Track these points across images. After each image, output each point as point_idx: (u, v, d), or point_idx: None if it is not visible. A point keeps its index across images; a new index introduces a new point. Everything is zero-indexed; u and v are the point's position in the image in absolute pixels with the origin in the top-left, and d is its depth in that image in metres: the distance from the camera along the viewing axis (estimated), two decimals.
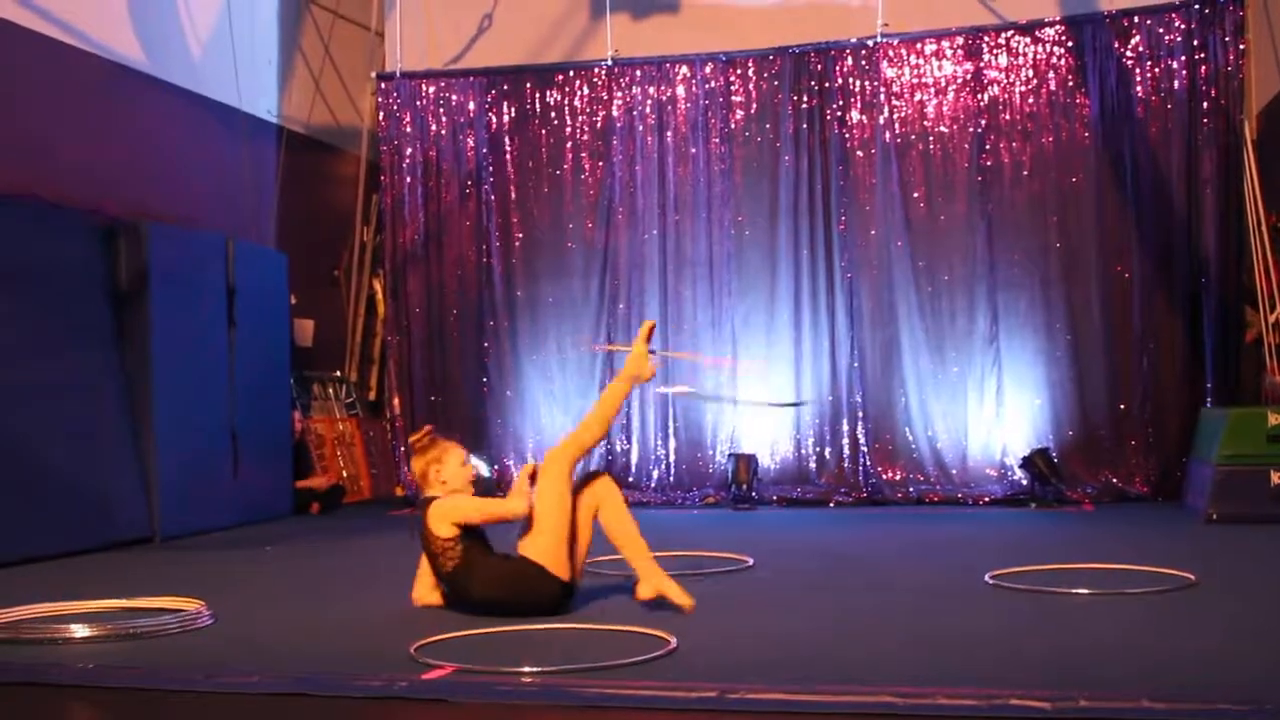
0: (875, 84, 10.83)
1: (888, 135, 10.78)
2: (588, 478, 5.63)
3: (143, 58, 9.63)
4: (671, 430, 11.13)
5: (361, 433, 11.96)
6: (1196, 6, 10.26)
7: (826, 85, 10.92)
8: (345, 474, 11.57)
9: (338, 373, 12.04)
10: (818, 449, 10.83)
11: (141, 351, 8.73)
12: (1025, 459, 10.20)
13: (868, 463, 10.65)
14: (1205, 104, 10.19)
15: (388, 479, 11.86)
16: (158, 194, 9.63)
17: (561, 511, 5.43)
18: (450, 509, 5.42)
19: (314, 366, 11.65)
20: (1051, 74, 10.58)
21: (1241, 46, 10.16)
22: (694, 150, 11.20)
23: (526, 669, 4.22)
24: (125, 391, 8.66)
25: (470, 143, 11.61)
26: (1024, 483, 10.24)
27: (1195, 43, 10.24)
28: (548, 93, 11.50)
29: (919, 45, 10.82)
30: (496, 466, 11.29)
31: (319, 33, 12.00)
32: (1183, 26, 10.29)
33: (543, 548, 5.38)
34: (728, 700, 3.79)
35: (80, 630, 5.07)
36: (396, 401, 11.66)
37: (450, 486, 5.60)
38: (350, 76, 12.34)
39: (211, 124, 10.46)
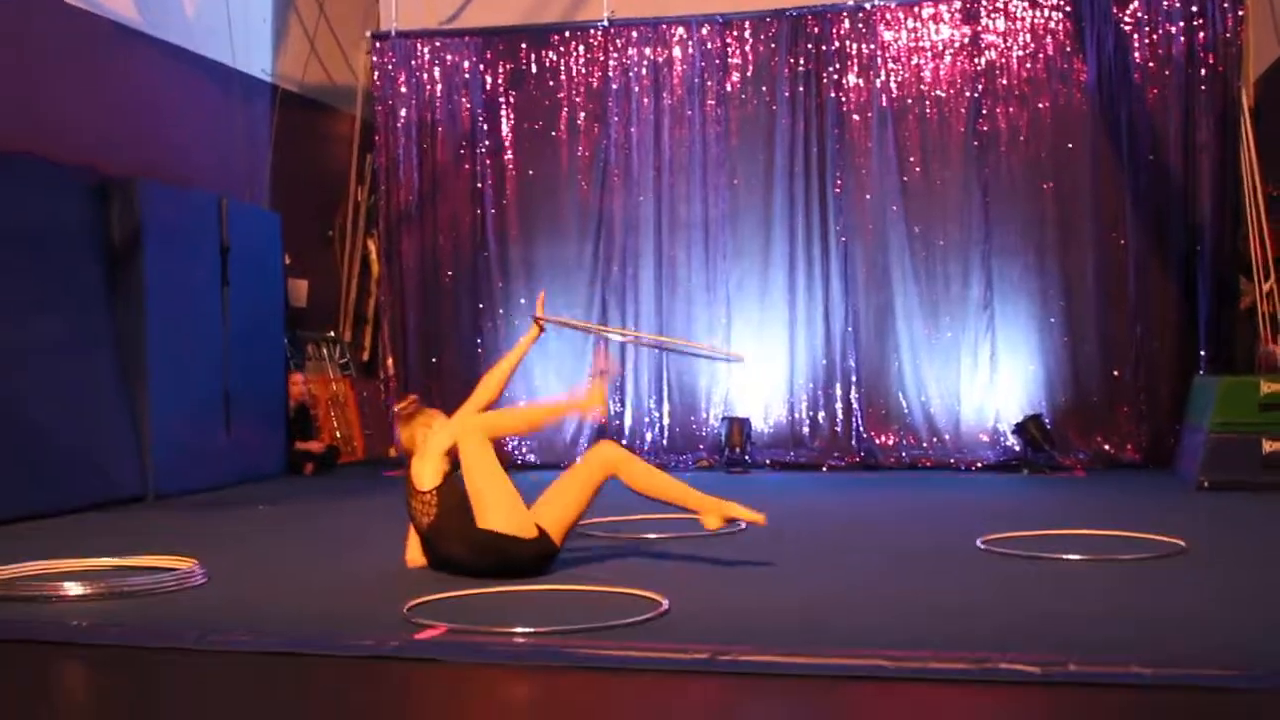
0: (872, 47, 10.79)
1: (884, 99, 10.74)
2: (591, 448, 5.66)
3: (137, 16, 9.58)
4: (666, 393, 11.13)
5: (355, 393, 11.95)
6: None
7: (823, 48, 10.87)
8: (339, 434, 11.58)
9: (331, 333, 12.04)
10: (811, 413, 10.84)
11: (135, 311, 8.72)
12: (1018, 425, 10.22)
13: (861, 427, 10.67)
14: (1203, 70, 10.16)
15: (381, 440, 11.86)
16: (152, 153, 9.59)
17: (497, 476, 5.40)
18: (431, 448, 5.43)
19: (308, 326, 11.64)
20: (1049, 39, 10.54)
21: (1240, 13, 10.12)
22: (690, 112, 11.15)
23: (519, 629, 4.23)
24: (119, 350, 8.65)
25: (465, 103, 11.56)
26: (1016, 448, 10.27)
27: (1194, 9, 10.20)
28: (543, 53, 11.44)
29: (916, 9, 10.76)
30: None
31: None
32: None
33: (502, 518, 5.32)
34: (719, 662, 3.81)
35: (73, 588, 5.08)
36: (390, 362, 11.65)
37: (433, 429, 5.61)
38: (345, 35, 12.27)
39: (206, 83, 10.41)
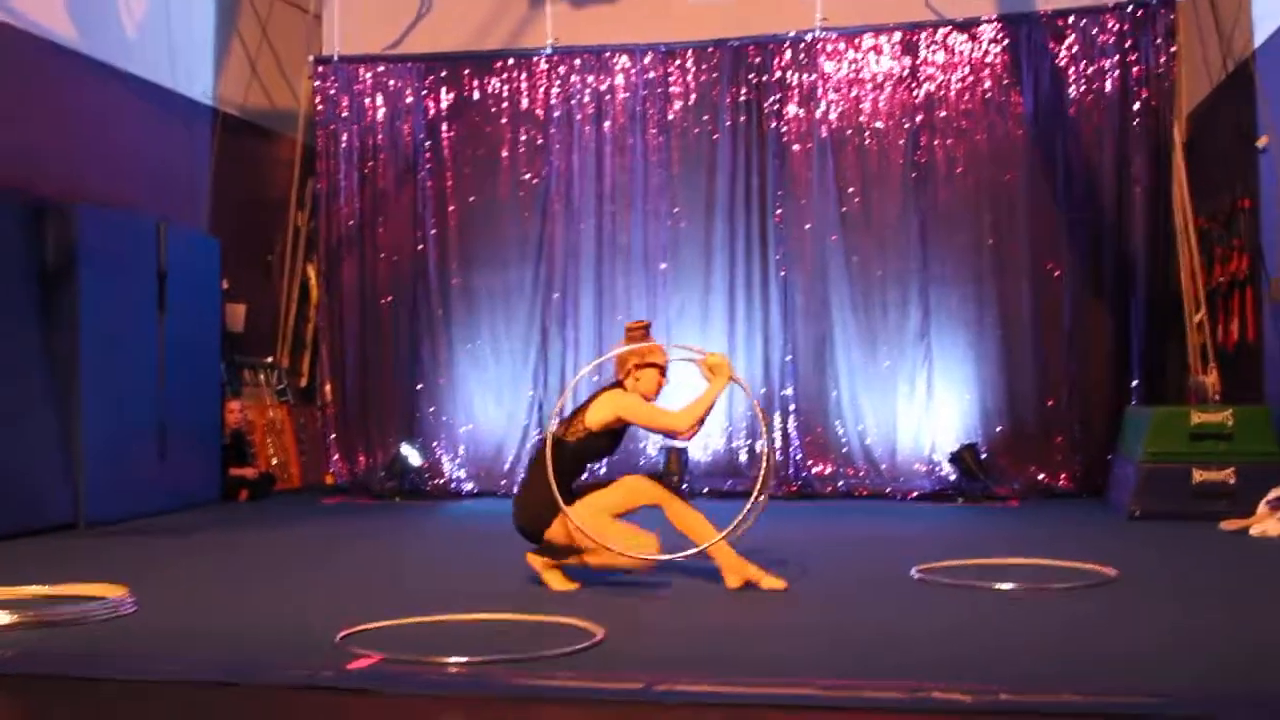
0: (813, 78, 10.89)
1: (824, 130, 10.84)
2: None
3: (75, 36, 9.48)
4: None
5: (292, 420, 11.86)
6: (1129, 9, 10.41)
7: (764, 78, 10.97)
8: (275, 461, 11.48)
9: (269, 359, 11.94)
10: (749, 442, 10.87)
11: (69, 335, 8.60)
12: (953, 454, 10.30)
13: (798, 456, 10.72)
14: (1136, 105, 10.34)
15: (318, 467, 11.77)
16: (88, 175, 9.50)
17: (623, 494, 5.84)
18: (618, 405, 5.81)
19: (245, 352, 11.54)
20: (986, 72, 10.69)
21: (1173, 50, 10.32)
22: (632, 141, 11.20)
23: (453, 659, 4.21)
24: (51, 375, 8.53)
25: (407, 129, 11.55)
26: (952, 478, 10.35)
27: (1128, 44, 10.39)
28: (486, 80, 11.46)
29: (857, 40, 10.89)
30: (428, 457, 11.22)
31: (256, 14, 11.86)
32: (1116, 28, 10.43)
33: (585, 509, 5.71)
34: (654, 692, 3.81)
35: (1, 617, 5.00)
36: (328, 388, 11.59)
37: (639, 385, 5.90)
38: (287, 60, 12.21)
39: (145, 105, 10.32)
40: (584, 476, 6.09)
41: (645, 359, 5.94)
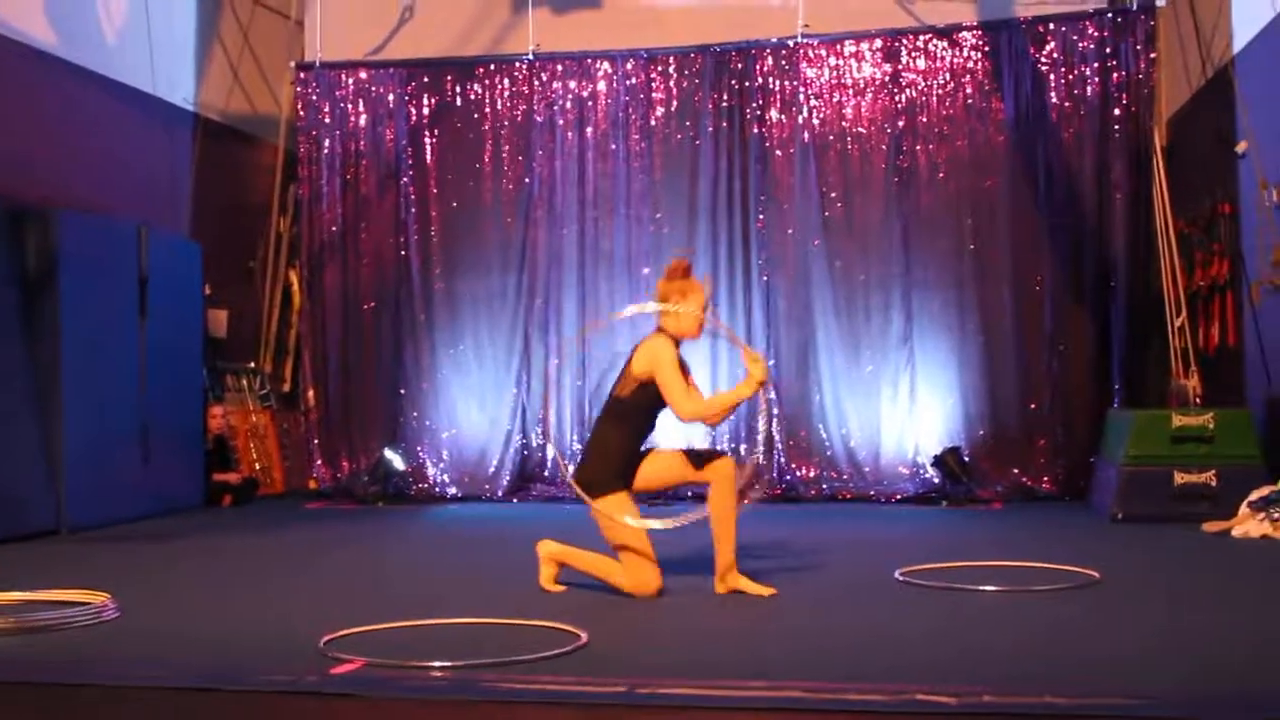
0: (795, 84, 10.91)
1: (806, 135, 10.87)
2: (711, 455, 5.89)
3: (55, 41, 9.46)
4: (587, 427, 11.12)
5: (275, 425, 11.83)
6: (1110, 15, 10.47)
7: (747, 84, 10.99)
8: (258, 466, 11.45)
9: (251, 364, 11.92)
10: (733, 446, 10.88)
11: (50, 341, 8.58)
12: (937, 458, 10.32)
13: (782, 460, 10.73)
14: (1117, 111, 10.39)
15: (301, 472, 11.74)
16: (69, 180, 9.47)
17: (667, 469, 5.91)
18: (654, 357, 5.74)
19: (228, 358, 11.52)
20: (968, 78, 10.73)
21: (1152, 55, 10.37)
22: (614, 146, 11.21)
23: (436, 663, 4.20)
24: (33, 380, 8.50)
25: (390, 135, 11.55)
26: (935, 481, 10.37)
27: (1108, 51, 10.44)
28: (468, 86, 11.46)
29: (838, 46, 10.91)
30: (411, 462, 11.21)
31: (237, 20, 11.85)
32: (1096, 34, 10.47)
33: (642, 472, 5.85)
34: (637, 695, 3.80)
35: None
36: (311, 394, 11.57)
37: (678, 324, 5.84)
38: (269, 65, 12.20)
39: (126, 110, 10.29)
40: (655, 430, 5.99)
41: (683, 293, 5.89)
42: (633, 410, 5.84)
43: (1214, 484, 8.36)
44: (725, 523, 5.77)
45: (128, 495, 9.26)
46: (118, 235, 9.40)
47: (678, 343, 5.85)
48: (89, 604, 5.33)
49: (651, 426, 5.95)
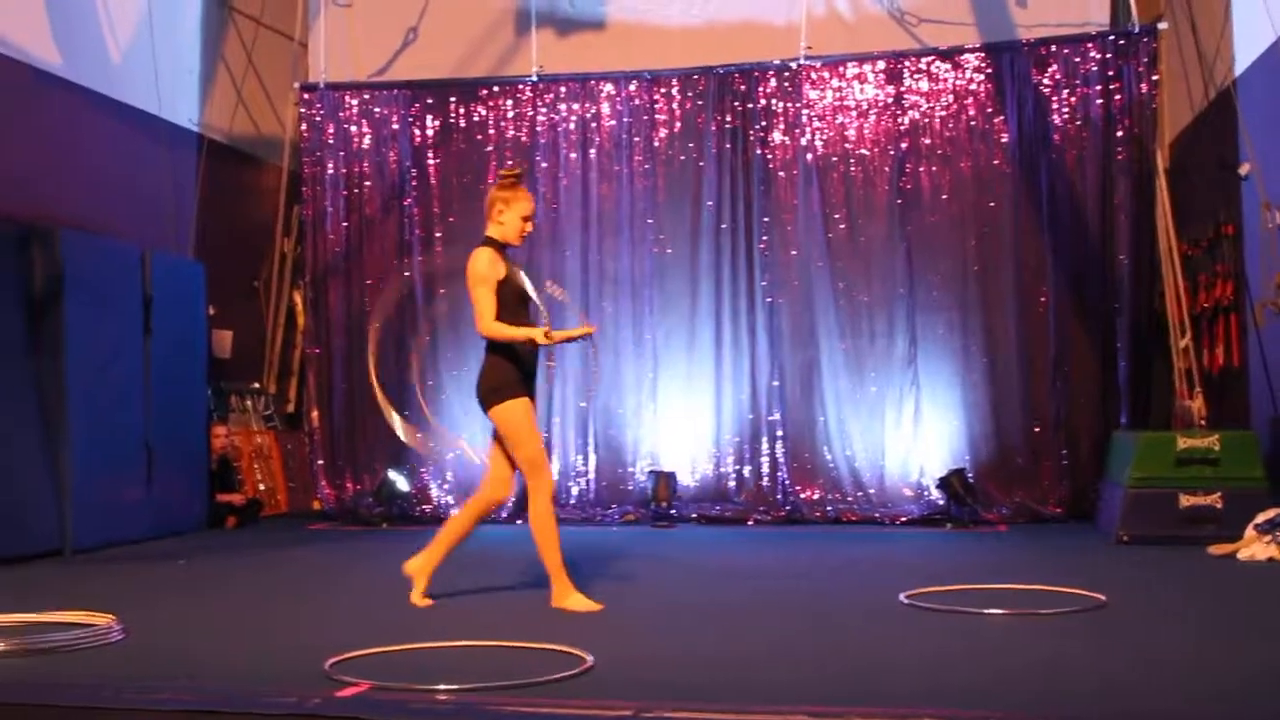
0: (798, 105, 10.93)
1: (809, 156, 10.88)
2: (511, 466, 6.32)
3: (60, 62, 9.49)
4: (591, 446, 11.13)
5: (279, 445, 11.84)
6: (1112, 38, 10.47)
7: (750, 106, 11.00)
8: (262, 487, 11.45)
9: (256, 385, 11.93)
10: (737, 467, 10.87)
11: (55, 361, 8.59)
12: (941, 479, 10.30)
13: (786, 482, 10.71)
14: (1120, 132, 10.39)
15: (305, 493, 11.74)
16: (74, 201, 9.49)
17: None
18: (472, 268, 6.28)
19: (232, 378, 11.53)
20: (970, 100, 10.73)
21: (1155, 77, 10.37)
22: (617, 168, 11.22)
23: (442, 687, 4.20)
24: (38, 401, 8.51)
25: (393, 156, 11.56)
26: (940, 503, 10.35)
27: (1110, 73, 10.44)
28: (472, 107, 11.48)
29: (841, 68, 10.93)
30: (416, 483, 11.20)
31: (242, 41, 11.89)
32: (1099, 56, 10.48)
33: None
34: (643, 718, 3.80)
35: None
36: (315, 414, 11.55)
37: (503, 230, 6.40)
38: (273, 86, 12.24)
39: (130, 131, 10.33)
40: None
41: (507, 202, 6.40)
42: (500, 316, 6.26)
43: (1219, 506, 8.34)
44: (545, 538, 6.13)
45: (132, 516, 9.27)
46: (122, 256, 9.42)
47: (504, 248, 6.39)
48: (94, 625, 5.33)
49: (523, 319, 6.38)
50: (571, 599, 6.06)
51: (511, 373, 6.23)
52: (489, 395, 6.18)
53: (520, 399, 6.20)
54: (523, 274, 6.40)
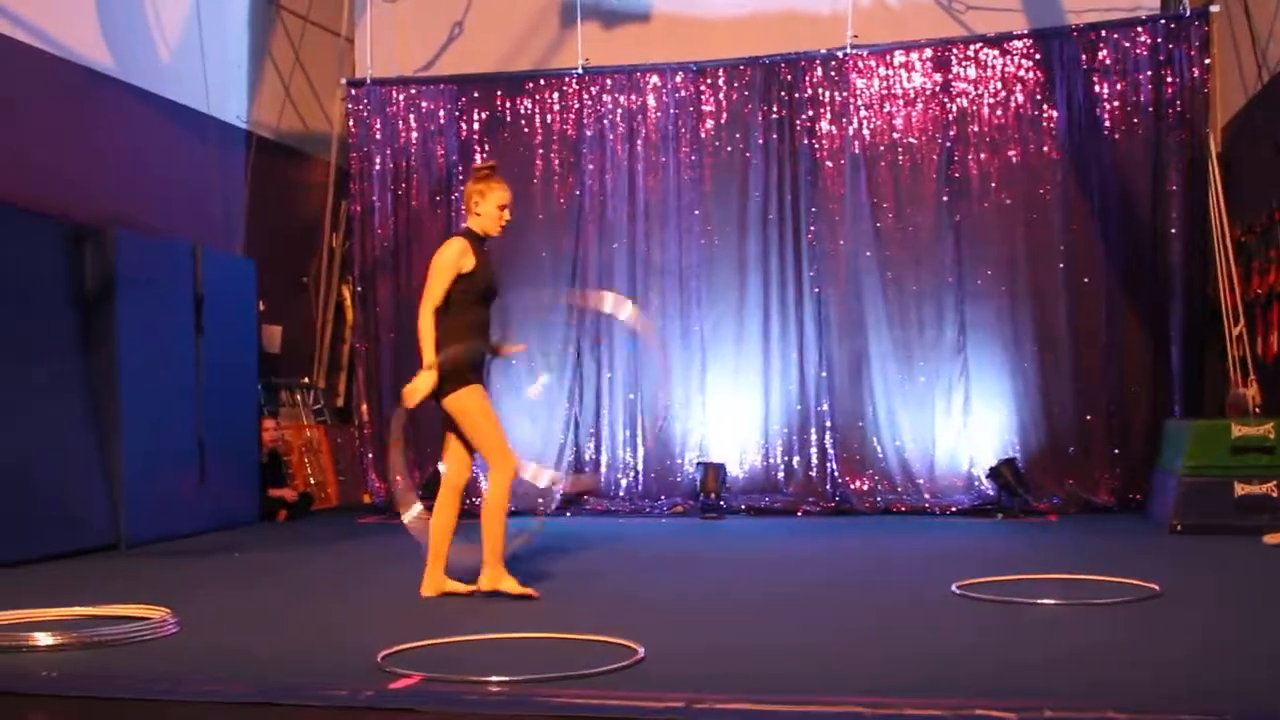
0: (844, 95, 10.87)
1: (857, 146, 10.82)
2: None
3: (111, 62, 9.57)
4: (640, 439, 11.12)
5: (329, 440, 11.91)
6: (1163, 22, 10.35)
7: (796, 95, 10.96)
8: (313, 481, 11.52)
9: (305, 379, 12.00)
10: (786, 458, 10.84)
11: (108, 358, 8.67)
12: (992, 469, 10.24)
13: (835, 472, 10.67)
14: (1171, 118, 10.27)
15: (355, 486, 11.81)
16: (125, 200, 9.58)
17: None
18: (439, 254, 6.28)
19: (282, 373, 11.61)
20: (1019, 86, 10.64)
21: (1207, 61, 10.24)
22: (664, 159, 11.21)
23: (494, 678, 4.21)
24: (92, 398, 8.60)
25: (440, 150, 11.59)
26: (991, 493, 10.28)
27: (1161, 57, 10.32)
28: (518, 101, 11.49)
29: (888, 57, 10.86)
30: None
31: (289, 38, 11.96)
32: (1149, 41, 10.36)
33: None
34: (695, 710, 3.79)
35: (44, 638, 5.04)
36: (364, 408, 11.60)
37: (481, 222, 6.42)
38: (320, 82, 12.30)
39: (180, 129, 10.40)
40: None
41: (483, 194, 6.40)
42: (457, 306, 6.26)
43: (1275, 495, 8.25)
44: (491, 522, 6.32)
45: (185, 510, 9.35)
46: (173, 253, 9.50)
47: (483, 240, 6.43)
48: (149, 619, 5.37)
49: (479, 315, 6.37)
50: (505, 582, 6.20)
51: (460, 362, 6.21)
52: (440, 386, 6.18)
53: (472, 385, 6.25)
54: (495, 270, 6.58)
